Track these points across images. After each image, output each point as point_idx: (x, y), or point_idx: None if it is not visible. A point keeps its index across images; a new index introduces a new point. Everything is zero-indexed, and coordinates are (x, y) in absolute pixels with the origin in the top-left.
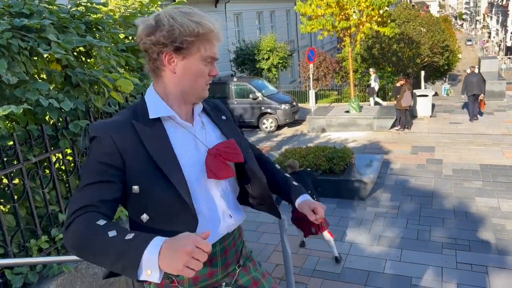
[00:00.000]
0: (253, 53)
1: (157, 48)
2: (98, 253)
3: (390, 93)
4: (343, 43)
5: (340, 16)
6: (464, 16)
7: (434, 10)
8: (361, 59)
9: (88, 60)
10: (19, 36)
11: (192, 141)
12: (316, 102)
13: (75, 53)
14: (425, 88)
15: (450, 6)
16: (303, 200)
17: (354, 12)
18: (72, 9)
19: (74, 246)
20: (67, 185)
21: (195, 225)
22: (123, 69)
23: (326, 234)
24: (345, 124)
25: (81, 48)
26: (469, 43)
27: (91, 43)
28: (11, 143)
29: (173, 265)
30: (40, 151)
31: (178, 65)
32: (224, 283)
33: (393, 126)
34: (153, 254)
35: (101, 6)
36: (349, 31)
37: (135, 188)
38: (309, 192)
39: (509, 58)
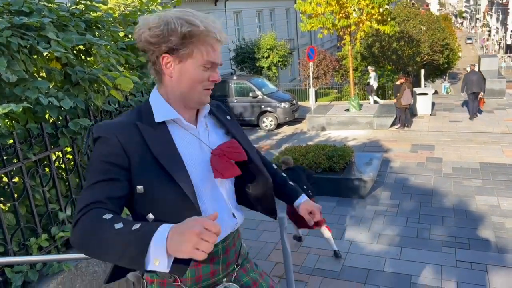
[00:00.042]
0: (253, 51)
1: (152, 48)
2: (105, 246)
3: (390, 92)
4: (343, 41)
5: (340, 14)
6: (464, 14)
7: (434, 8)
8: (361, 57)
9: (88, 59)
10: (19, 34)
11: (196, 142)
12: (316, 101)
13: (74, 52)
14: (425, 86)
15: (450, 4)
16: (302, 202)
17: (354, 10)
18: (72, 7)
19: (81, 242)
20: (67, 183)
21: None
22: (122, 68)
23: (324, 230)
24: (345, 123)
25: (81, 47)
26: (469, 41)
27: (91, 41)
28: (11, 141)
29: (182, 248)
30: (40, 149)
31: (175, 69)
32: (225, 280)
33: (393, 124)
34: (161, 240)
35: (100, 4)
36: (349, 29)
37: (139, 188)
38: (305, 187)
39: (509, 56)
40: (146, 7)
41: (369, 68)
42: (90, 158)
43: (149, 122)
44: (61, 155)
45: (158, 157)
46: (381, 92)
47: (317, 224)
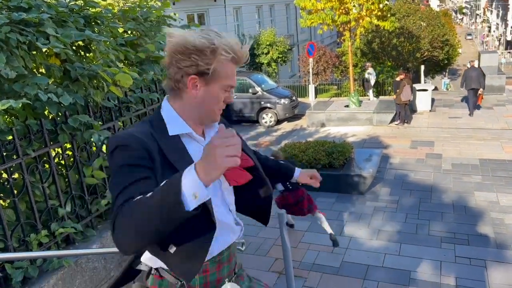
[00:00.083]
0: (253, 48)
1: (180, 68)
2: (146, 213)
3: (389, 88)
4: (342, 37)
5: (340, 10)
6: (464, 10)
7: (434, 4)
8: (361, 53)
9: (87, 55)
10: (18, 30)
11: None
12: (315, 97)
13: (74, 47)
14: (424, 82)
15: (450, 0)
16: (299, 173)
17: (354, 6)
18: (71, 3)
19: (125, 226)
20: (66, 179)
21: (213, 232)
22: (122, 64)
23: (317, 214)
24: (344, 119)
25: (80, 42)
26: (469, 37)
27: (90, 37)
28: (10, 137)
29: (213, 165)
30: (39, 145)
31: (201, 90)
32: (227, 279)
33: (392, 120)
34: (190, 174)
35: (100, 0)
36: (349, 25)
37: None
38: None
39: (509, 52)
40: (145, 3)
41: (367, 64)
42: (111, 168)
43: (163, 134)
44: (60, 151)
45: (175, 164)
46: (378, 88)
47: (310, 210)
